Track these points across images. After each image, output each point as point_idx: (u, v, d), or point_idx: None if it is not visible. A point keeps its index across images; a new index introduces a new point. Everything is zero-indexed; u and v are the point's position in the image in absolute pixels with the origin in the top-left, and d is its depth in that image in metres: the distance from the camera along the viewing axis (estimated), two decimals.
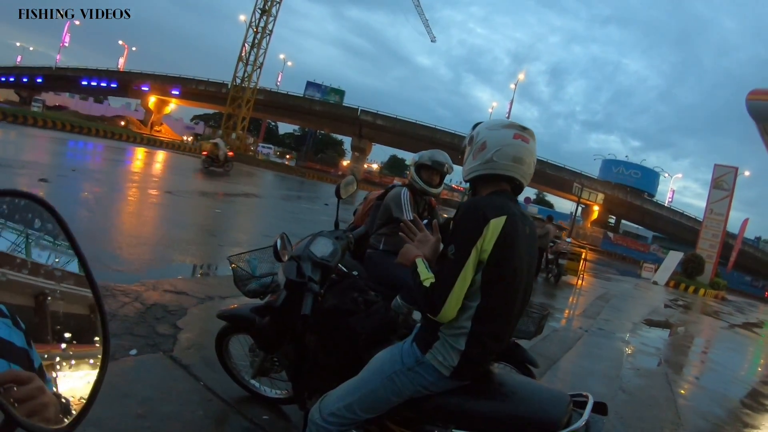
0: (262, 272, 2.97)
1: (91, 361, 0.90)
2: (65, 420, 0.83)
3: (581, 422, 1.72)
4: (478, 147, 1.96)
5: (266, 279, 2.88)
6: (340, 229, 2.86)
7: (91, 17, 26.95)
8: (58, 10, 25.58)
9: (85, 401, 0.86)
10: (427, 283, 1.80)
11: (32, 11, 24.42)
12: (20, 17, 25.11)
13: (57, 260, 0.89)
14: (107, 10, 26.84)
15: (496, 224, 1.75)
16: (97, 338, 0.92)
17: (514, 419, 1.78)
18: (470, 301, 1.78)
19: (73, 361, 0.88)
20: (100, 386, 0.88)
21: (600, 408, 1.84)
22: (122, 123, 50.34)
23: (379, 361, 1.95)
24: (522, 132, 1.93)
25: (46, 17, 25.77)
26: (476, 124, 2.06)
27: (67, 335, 0.88)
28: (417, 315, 3.50)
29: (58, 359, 0.85)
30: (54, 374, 0.84)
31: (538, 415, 1.77)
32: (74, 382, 0.87)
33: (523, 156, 1.92)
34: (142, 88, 57.99)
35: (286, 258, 2.31)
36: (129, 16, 28.70)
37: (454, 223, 1.84)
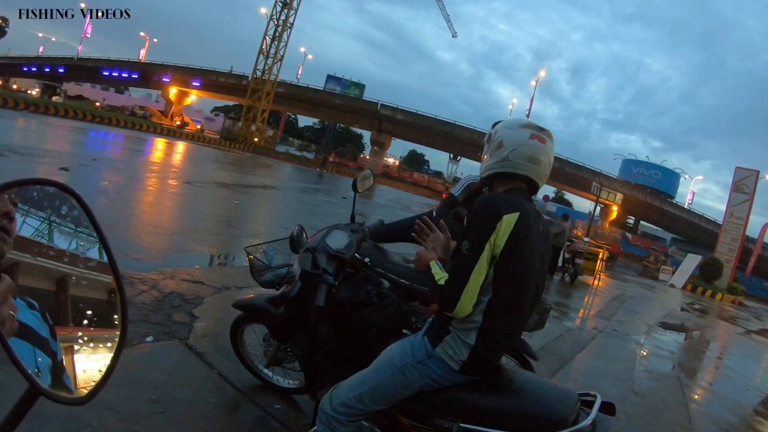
0: (278, 263, 3.01)
1: (109, 343, 0.95)
2: (84, 391, 0.88)
3: (588, 421, 1.72)
4: (496, 145, 1.97)
5: (282, 270, 2.92)
6: (356, 222, 2.88)
7: (91, 17, 27.31)
8: (57, 10, 25.71)
9: (102, 374, 0.91)
10: (441, 282, 1.82)
11: (32, 11, 24.59)
12: (20, 17, 25.32)
13: (82, 246, 0.93)
14: (107, 10, 27.13)
15: (509, 220, 1.76)
16: (116, 317, 0.96)
17: (521, 415, 1.79)
18: (482, 296, 1.79)
19: (92, 341, 0.93)
20: (117, 361, 0.93)
21: (608, 408, 1.84)
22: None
23: (390, 353, 1.97)
24: (539, 132, 1.93)
25: (45, 17, 25.86)
26: (496, 123, 2.08)
27: (89, 315, 0.92)
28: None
29: (79, 337, 0.90)
30: (75, 350, 0.88)
31: (546, 412, 1.78)
32: (93, 358, 0.92)
33: (539, 156, 1.92)
34: (163, 80, 58.43)
35: (302, 250, 2.34)
36: (129, 16, 28.87)
37: (468, 219, 1.85)
